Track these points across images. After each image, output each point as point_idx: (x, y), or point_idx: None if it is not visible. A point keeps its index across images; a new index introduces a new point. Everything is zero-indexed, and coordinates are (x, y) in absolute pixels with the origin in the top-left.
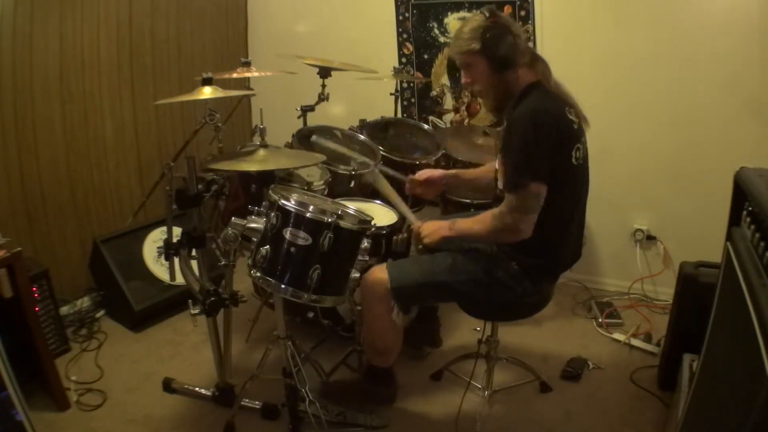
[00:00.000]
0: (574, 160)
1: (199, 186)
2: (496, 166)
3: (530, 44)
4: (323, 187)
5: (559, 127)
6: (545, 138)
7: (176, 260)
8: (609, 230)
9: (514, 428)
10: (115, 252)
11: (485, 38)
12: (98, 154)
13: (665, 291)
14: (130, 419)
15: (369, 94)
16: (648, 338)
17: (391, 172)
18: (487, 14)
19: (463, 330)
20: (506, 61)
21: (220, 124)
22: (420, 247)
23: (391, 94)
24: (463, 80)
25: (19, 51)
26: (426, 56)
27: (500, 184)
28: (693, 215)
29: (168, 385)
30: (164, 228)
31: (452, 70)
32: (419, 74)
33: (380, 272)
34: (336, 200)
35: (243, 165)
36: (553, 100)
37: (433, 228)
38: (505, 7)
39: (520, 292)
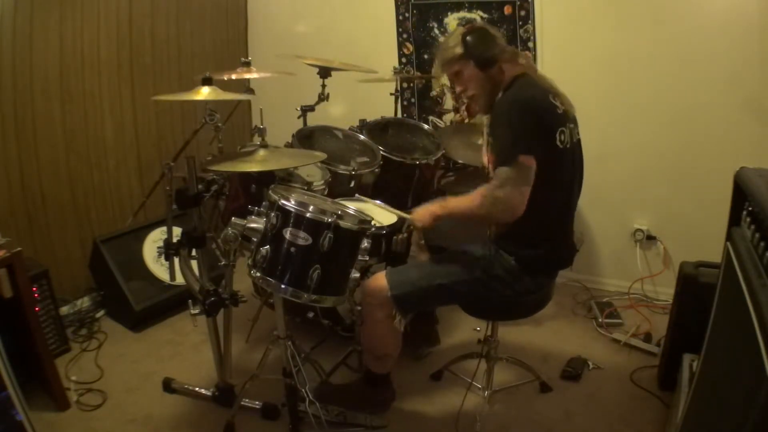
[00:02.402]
0: (558, 143)
1: (199, 186)
2: (485, 161)
3: (530, 44)
4: (323, 187)
5: (540, 108)
6: (527, 116)
7: (176, 260)
8: (609, 230)
9: (514, 428)
10: (115, 252)
11: (466, 41)
12: (98, 154)
13: (665, 291)
14: (130, 419)
15: (369, 94)
16: (648, 338)
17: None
18: (463, 22)
19: (463, 330)
20: (489, 57)
21: (220, 124)
22: (421, 242)
23: (391, 94)
24: (457, 90)
25: (19, 51)
26: (426, 56)
27: (491, 174)
28: (693, 215)
29: (168, 385)
30: (164, 228)
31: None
32: (419, 74)
33: (380, 280)
34: (336, 200)
35: (243, 165)
36: (536, 87)
37: (423, 212)
38: (505, 7)
39: (520, 289)
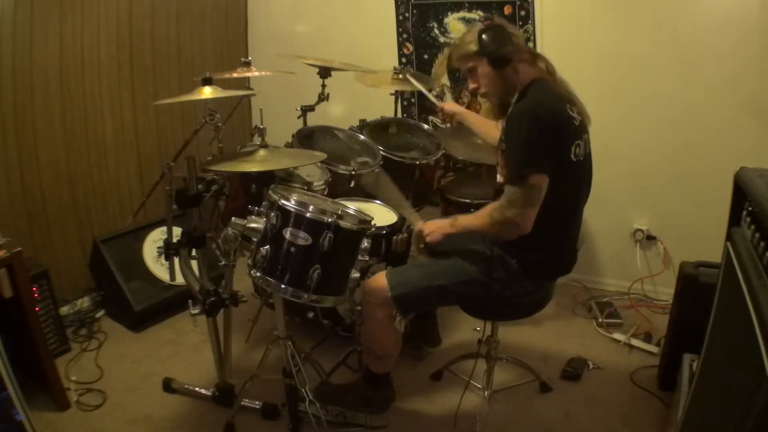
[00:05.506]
0: (573, 156)
1: (199, 186)
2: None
3: (530, 44)
4: (323, 187)
5: (558, 122)
6: (544, 131)
7: (176, 260)
8: (609, 230)
9: (514, 428)
10: (115, 252)
11: (481, 39)
12: (98, 154)
13: (665, 291)
14: (130, 419)
15: (369, 94)
16: (648, 338)
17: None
18: (482, 19)
19: (463, 330)
20: (503, 56)
21: (220, 124)
22: (421, 246)
23: (391, 94)
24: (470, 87)
25: (19, 51)
26: (426, 56)
27: (499, 178)
28: (693, 215)
29: (168, 385)
30: (164, 228)
31: (451, 72)
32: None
33: (380, 280)
34: (336, 200)
35: (243, 165)
36: (554, 95)
37: (434, 227)
38: (505, 7)
39: (520, 290)
